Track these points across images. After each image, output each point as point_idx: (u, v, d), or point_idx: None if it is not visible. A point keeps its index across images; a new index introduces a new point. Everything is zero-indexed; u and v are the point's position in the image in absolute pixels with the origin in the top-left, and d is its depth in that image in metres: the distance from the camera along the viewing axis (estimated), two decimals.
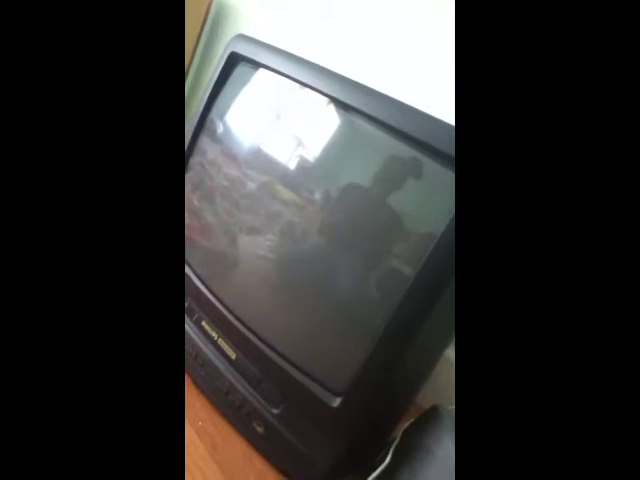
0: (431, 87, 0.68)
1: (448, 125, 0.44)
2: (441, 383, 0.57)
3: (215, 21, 1.09)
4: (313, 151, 0.56)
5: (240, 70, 0.61)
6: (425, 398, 0.54)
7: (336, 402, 0.46)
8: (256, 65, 0.59)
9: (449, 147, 0.43)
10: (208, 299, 0.59)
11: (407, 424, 0.51)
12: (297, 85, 0.55)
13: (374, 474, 0.46)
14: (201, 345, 0.59)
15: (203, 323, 0.60)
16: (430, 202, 0.46)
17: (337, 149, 0.54)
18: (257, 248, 0.59)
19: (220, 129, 0.63)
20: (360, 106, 0.49)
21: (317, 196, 0.55)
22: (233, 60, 0.61)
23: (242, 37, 0.62)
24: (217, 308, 0.57)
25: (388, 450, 0.48)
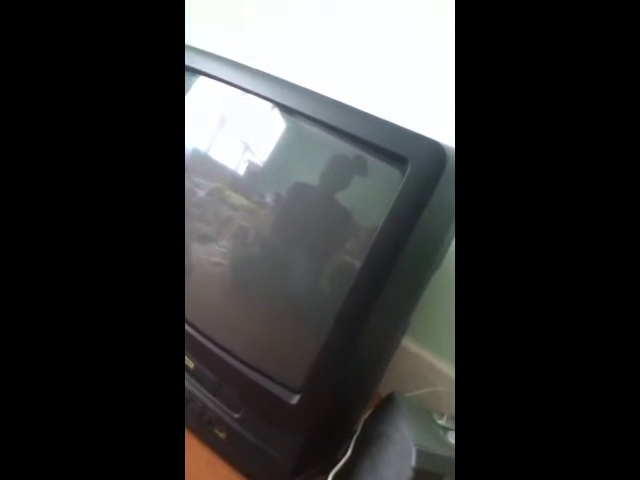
0: (377, 89, 0.71)
1: (387, 122, 0.46)
2: (398, 372, 0.59)
3: None
4: (259, 155, 0.56)
5: None
6: (385, 388, 0.56)
7: (295, 399, 0.47)
8: (195, 72, 0.59)
9: (389, 143, 0.45)
10: None
11: (367, 414, 0.52)
12: (239, 91, 0.56)
13: (337, 467, 0.47)
14: None
15: None
16: (372, 196, 0.48)
17: (282, 152, 0.55)
18: (211, 255, 0.58)
19: None
20: (302, 109, 0.51)
21: (266, 199, 0.55)
22: None
23: None
24: None
25: (350, 441, 0.49)
